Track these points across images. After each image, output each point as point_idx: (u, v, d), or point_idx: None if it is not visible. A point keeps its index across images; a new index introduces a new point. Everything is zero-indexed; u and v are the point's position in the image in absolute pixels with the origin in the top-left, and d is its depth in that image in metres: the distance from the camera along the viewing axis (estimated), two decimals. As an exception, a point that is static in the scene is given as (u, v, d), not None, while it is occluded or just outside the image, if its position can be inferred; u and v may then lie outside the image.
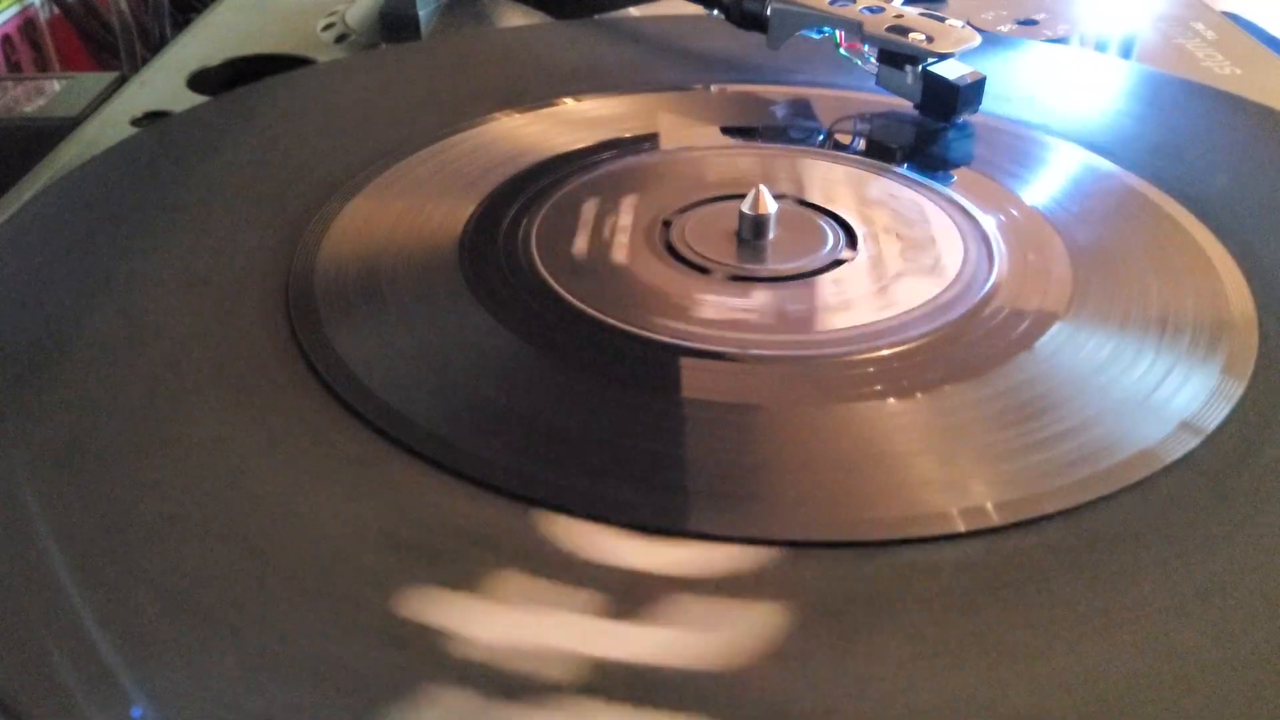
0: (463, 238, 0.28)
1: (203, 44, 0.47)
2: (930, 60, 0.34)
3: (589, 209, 0.30)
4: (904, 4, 0.37)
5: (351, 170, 0.32)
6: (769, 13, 0.38)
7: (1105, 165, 0.32)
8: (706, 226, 0.29)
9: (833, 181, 0.31)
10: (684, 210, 0.30)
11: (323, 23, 0.49)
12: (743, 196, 0.28)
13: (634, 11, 0.51)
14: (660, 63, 0.41)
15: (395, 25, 0.47)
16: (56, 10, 0.68)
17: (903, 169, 0.32)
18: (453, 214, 0.29)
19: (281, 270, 0.27)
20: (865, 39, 0.35)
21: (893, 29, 0.35)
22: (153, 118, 0.39)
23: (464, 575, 0.18)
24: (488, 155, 0.33)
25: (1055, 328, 0.24)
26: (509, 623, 0.17)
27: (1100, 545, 0.19)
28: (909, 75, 0.35)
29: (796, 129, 0.35)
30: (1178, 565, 0.18)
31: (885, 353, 0.24)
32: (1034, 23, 0.48)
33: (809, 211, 0.30)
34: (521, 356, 0.24)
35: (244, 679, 0.16)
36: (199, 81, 0.43)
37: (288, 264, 0.27)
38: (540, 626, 0.17)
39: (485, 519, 0.19)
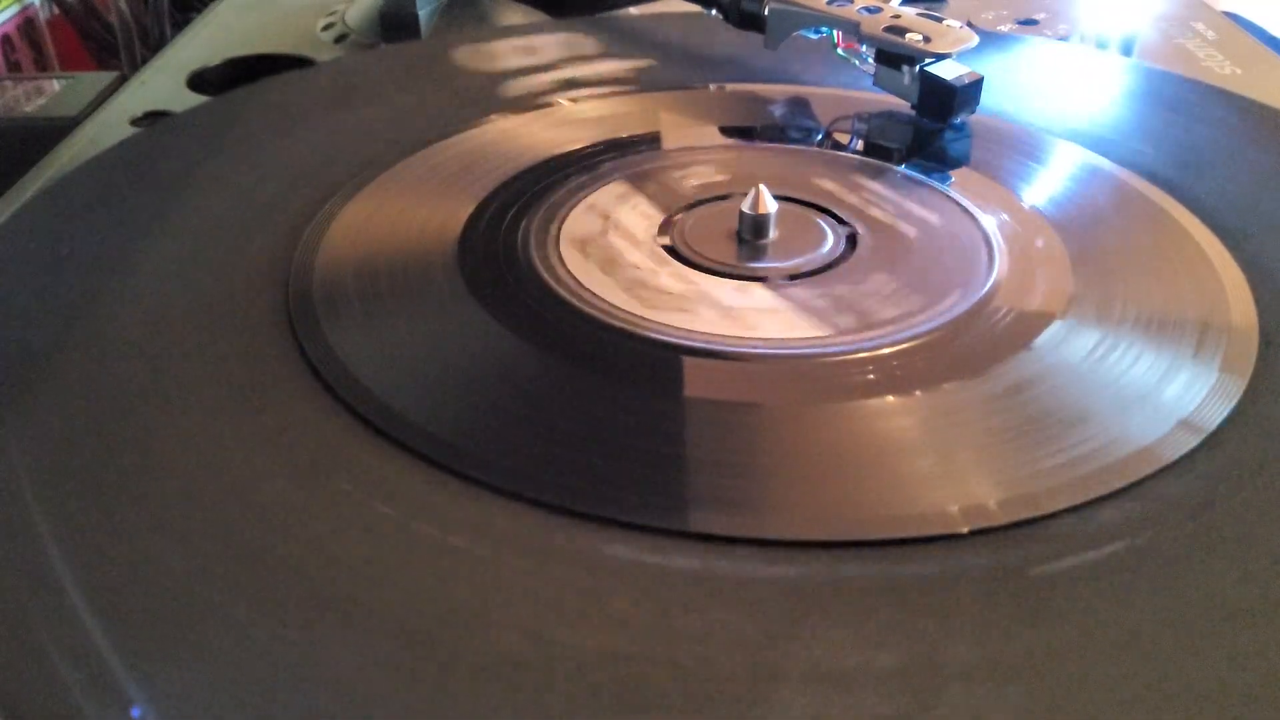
0: (462, 238, 0.28)
1: (203, 44, 0.47)
2: (928, 61, 0.34)
3: (588, 209, 0.30)
4: (902, 4, 0.37)
5: (351, 170, 0.32)
6: (767, 13, 0.38)
7: (1105, 165, 0.32)
8: (706, 226, 0.29)
9: (831, 180, 0.31)
10: (684, 210, 0.30)
11: (323, 23, 0.49)
12: (743, 196, 0.28)
13: (634, 11, 0.51)
14: (660, 63, 0.41)
15: (395, 25, 0.47)
16: (56, 10, 0.68)
17: (902, 168, 0.32)
18: (452, 214, 0.29)
19: (281, 270, 0.27)
20: (863, 39, 0.35)
21: (890, 29, 0.35)
22: (153, 118, 0.39)
23: (464, 575, 0.18)
24: (486, 155, 0.33)
25: (1055, 327, 0.24)
26: (510, 622, 0.17)
27: (1101, 543, 0.19)
28: (906, 76, 0.35)
29: (795, 128, 0.35)
30: (1178, 563, 0.18)
31: (885, 351, 0.24)
32: (1034, 23, 0.48)
33: (809, 211, 0.30)
34: (521, 356, 0.24)
35: (244, 679, 0.16)
36: (199, 81, 0.43)
37: (288, 264, 0.27)
38: (540, 625, 0.17)
39: (485, 519, 0.19)
